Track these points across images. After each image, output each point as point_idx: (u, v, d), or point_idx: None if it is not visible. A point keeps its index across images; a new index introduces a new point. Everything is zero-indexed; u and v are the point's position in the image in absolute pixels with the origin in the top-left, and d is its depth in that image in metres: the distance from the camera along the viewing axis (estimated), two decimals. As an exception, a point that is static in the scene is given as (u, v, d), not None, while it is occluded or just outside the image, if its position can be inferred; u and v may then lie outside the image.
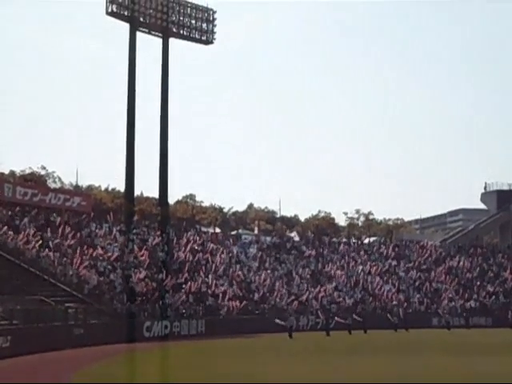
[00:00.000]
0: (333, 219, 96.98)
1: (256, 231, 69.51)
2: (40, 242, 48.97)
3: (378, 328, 55.87)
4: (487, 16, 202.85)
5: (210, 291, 54.88)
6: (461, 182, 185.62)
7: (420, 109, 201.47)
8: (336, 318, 56.08)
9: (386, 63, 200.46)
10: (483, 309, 66.73)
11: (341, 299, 62.09)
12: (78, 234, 52.88)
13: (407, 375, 26.88)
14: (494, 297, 68.39)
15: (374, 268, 68.89)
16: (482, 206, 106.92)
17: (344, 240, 75.00)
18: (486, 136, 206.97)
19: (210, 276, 56.38)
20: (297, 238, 70.52)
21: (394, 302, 63.87)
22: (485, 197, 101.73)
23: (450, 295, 67.89)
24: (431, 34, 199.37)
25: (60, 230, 51.41)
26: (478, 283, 70.54)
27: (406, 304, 64.57)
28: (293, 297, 59.46)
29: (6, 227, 48.67)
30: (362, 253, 71.36)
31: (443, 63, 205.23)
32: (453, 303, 66.43)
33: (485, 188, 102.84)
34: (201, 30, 59.84)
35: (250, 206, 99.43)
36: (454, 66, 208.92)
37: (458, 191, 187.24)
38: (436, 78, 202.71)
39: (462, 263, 73.57)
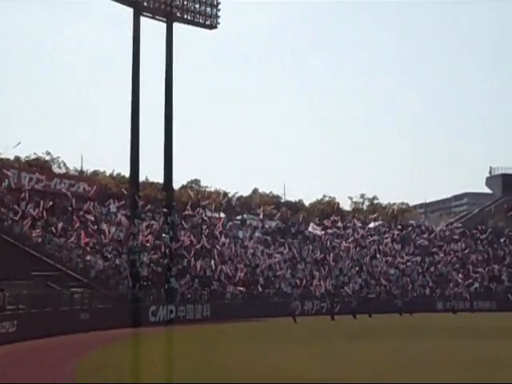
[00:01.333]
0: (337, 204, 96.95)
1: (261, 216, 69.48)
2: (45, 227, 49.17)
3: (383, 312, 55.99)
4: (490, 9, 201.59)
5: (215, 276, 55.07)
6: (466, 166, 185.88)
7: (424, 93, 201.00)
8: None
9: (389, 51, 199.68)
10: (488, 293, 66.81)
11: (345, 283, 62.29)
12: (84, 219, 53.04)
13: (412, 359, 26.99)
14: (498, 281, 68.52)
15: (379, 252, 68.98)
16: (487, 190, 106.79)
17: (348, 224, 74.94)
18: (490, 120, 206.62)
19: (214, 260, 56.55)
20: (314, 231, 70.16)
21: (398, 287, 64.02)
22: (490, 181, 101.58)
23: (455, 279, 67.97)
24: (436, 21, 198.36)
25: (65, 215, 51.52)
26: (483, 267, 70.59)
27: (410, 288, 64.75)
28: (297, 281, 59.64)
29: (11, 212, 48.84)
30: (366, 237, 71.42)
31: (447, 48, 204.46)
32: (457, 287, 66.51)
33: (490, 172, 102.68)
34: (205, 14, 59.69)
35: (255, 191, 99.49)
36: (459, 51, 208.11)
37: (463, 175, 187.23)
38: (440, 63, 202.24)
39: (466, 247, 73.59)
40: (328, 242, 68.01)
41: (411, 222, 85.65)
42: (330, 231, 69.81)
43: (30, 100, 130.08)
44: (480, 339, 35.43)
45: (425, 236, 74.88)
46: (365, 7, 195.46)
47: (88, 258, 48.35)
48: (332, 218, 72.36)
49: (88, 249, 49.16)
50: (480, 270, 70.07)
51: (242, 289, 54.56)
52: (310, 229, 69.61)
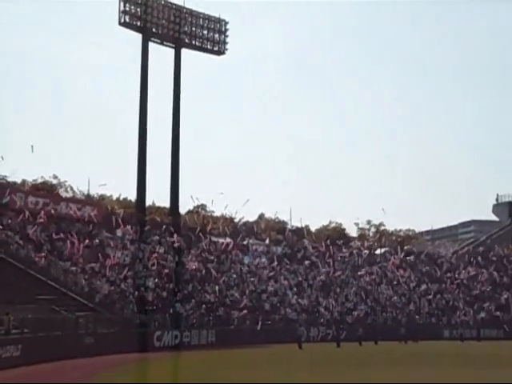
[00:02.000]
0: (344, 230, 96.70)
1: (267, 241, 69.40)
2: (51, 250, 49.17)
3: (389, 339, 55.66)
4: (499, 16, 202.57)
5: (220, 301, 54.91)
6: (472, 194, 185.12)
7: (432, 119, 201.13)
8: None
9: (397, 71, 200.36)
10: (495, 321, 66.34)
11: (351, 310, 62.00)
12: (89, 244, 53.04)
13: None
14: (505, 309, 68.10)
15: (385, 279, 68.73)
16: (494, 218, 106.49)
17: (355, 251, 74.75)
18: (498, 147, 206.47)
19: (220, 286, 56.41)
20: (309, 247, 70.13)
21: (393, 313, 63.70)
22: (497, 208, 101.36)
23: (462, 307, 67.59)
24: (445, 35, 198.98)
25: (71, 239, 51.57)
26: (490, 295, 70.23)
27: (417, 315, 64.42)
28: (303, 307, 59.40)
29: (17, 236, 48.87)
30: (373, 263, 71.18)
31: (456, 72, 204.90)
32: (464, 315, 66.11)
33: (497, 199, 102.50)
34: (213, 40, 60.05)
35: (261, 216, 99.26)
36: (468, 75, 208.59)
37: (470, 202, 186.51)
38: (449, 88, 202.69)
39: (473, 275, 73.25)
40: (333, 269, 67.75)
41: (417, 248, 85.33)
42: (336, 257, 69.60)
43: (38, 124, 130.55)
44: (487, 368, 35.16)
45: (431, 263, 74.53)
46: (375, 28, 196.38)
47: (93, 282, 48.28)
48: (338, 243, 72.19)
49: (93, 273, 49.10)
50: (487, 297, 69.68)
51: (245, 312, 54.37)
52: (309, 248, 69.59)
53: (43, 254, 47.94)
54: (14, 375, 29.22)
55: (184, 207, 74.28)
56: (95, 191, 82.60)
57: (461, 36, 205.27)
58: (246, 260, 63.81)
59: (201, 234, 61.82)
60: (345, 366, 36.69)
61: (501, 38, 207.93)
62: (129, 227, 56.08)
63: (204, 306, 53.27)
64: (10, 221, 50.23)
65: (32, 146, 53.38)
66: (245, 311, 54.59)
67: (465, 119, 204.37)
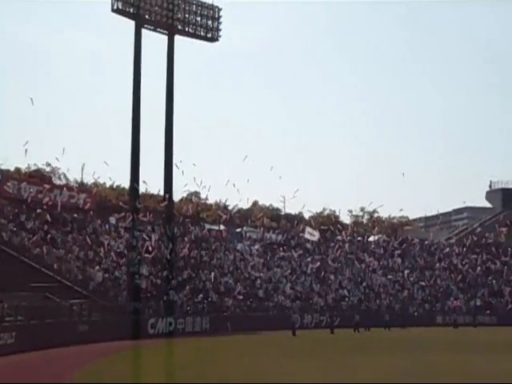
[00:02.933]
0: (337, 217, 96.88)
1: (261, 228, 69.45)
2: (45, 238, 49.13)
3: (379, 326, 55.89)
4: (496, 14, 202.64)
5: (214, 288, 55.02)
6: (466, 180, 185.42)
7: (424, 106, 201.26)
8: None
9: (389, 59, 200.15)
10: (488, 307, 66.63)
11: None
12: (83, 231, 53.04)
13: (410, 373, 26.90)
14: (498, 295, 68.41)
15: (379, 266, 68.94)
16: (487, 204, 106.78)
17: (349, 238, 74.92)
18: (490, 133, 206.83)
19: (214, 273, 56.52)
20: (310, 236, 70.01)
21: (388, 299, 63.91)
22: (490, 195, 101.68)
23: (455, 293, 67.86)
24: (435, 31, 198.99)
25: (65, 227, 51.52)
26: (483, 281, 70.52)
27: (409, 302, 64.71)
28: (297, 294, 59.58)
29: (11, 224, 48.82)
30: (366, 250, 71.37)
31: (448, 60, 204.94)
32: (457, 301, 66.40)
33: (490, 186, 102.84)
34: (206, 27, 59.75)
35: (255, 204, 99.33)
36: (459, 63, 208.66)
37: (463, 189, 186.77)
38: (440, 75, 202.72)
39: (466, 261, 73.48)
40: (328, 256, 67.92)
41: (411, 235, 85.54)
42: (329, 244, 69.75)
43: (30, 111, 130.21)
44: (480, 353, 35.33)
45: (425, 250, 74.75)
46: (367, 19, 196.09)
47: (87, 269, 48.31)
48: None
49: (87, 260, 49.12)
50: (480, 284, 69.96)
51: (240, 297, 54.50)
52: (306, 235, 69.42)
53: (37, 242, 47.90)
54: (7, 363, 29.25)
55: (177, 194, 74.26)
56: (88, 179, 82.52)
57: (444, 33, 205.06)
58: (240, 247, 63.89)
59: (194, 221, 61.81)
60: (339, 352, 36.83)
61: (476, 31, 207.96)
62: (122, 214, 56.00)
63: (198, 292, 53.35)
64: (3, 209, 50.16)
65: (32, 99, 52.56)
66: (238, 298, 54.71)
67: (458, 106, 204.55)
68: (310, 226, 71.75)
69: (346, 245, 70.98)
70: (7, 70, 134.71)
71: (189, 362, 31.91)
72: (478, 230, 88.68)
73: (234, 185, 57.16)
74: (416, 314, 63.01)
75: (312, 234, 69.67)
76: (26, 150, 48.41)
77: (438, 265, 72.39)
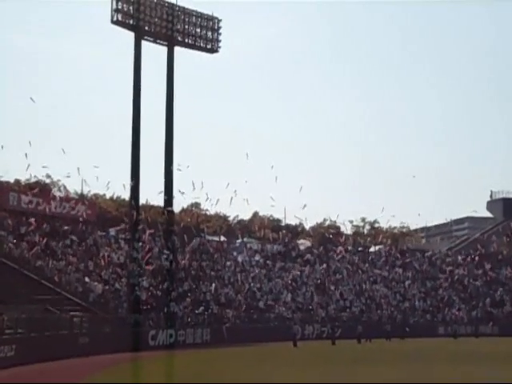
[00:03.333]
0: (338, 227, 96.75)
1: (263, 239, 69.43)
2: (45, 250, 49.03)
3: (381, 337, 55.67)
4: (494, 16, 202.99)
5: (215, 300, 54.86)
6: (466, 190, 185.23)
7: (426, 115, 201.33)
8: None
9: (391, 67, 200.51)
10: (489, 317, 66.40)
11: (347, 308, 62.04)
12: (83, 243, 52.94)
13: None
14: (500, 305, 68.21)
15: (380, 277, 68.79)
16: (488, 214, 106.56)
17: (350, 248, 74.81)
18: (492, 143, 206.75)
19: (214, 284, 56.38)
20: (302, 247, 70.15)
21: (388, 310, 63.68)
22: (491, 205, 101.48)
23: (456, 304, 67.66)
24: (437, 34, 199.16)
25: (65, 239, 51.43)
26: (485, 291, 70.33)
27: (411, 312, 64.52)
28: (298, 305, 59.42)
29: (11, 236, 48.72)
30: (367, 261, 71.21)
31: (450, 69, 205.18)
32: (459, 312, 66.20)
33: (491, 196, 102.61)
34: (206, 38, 59.83)
35: (255, 215, 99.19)
36: (461, 71, 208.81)
37: (464, 199, 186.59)
38: (442, 84, 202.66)
39: (467, 272, 73.31)
40: (329, 267, 67.79)
41: (412, 245, 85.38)
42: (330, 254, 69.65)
43: (30, 122, 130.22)
44: (481, 364, 35.14)
45: (426, 260, 74.59)
46: (367, 25, 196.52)
47: (87, 281, 48.18)
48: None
49: (87, 272, 49.01)
50: (481, 294, 69.79)
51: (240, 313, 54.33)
52: (300, 246, 69.56)
53: (37, 254, 47.79)
54: (8, 375, 29.08)
55: (178, 206, 74.17)
56: (88, 190, 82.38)
57: (448, 39, 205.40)
58: (241, 258, 63.75)
59: (195, 232, 61.70)
60: (340, 363, 36.64)
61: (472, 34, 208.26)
62: (122, 226, 55.93)
63: (198, 304, 53.19)
64: (3, 221, 50.08)
65: (31, 98, 52.64)
66: (239, 310, 54.53)
67: (459, 116, 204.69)
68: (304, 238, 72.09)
69: (347, 255, 70.89)
70: (8, 80, 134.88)
71: (190, 374, 31.72)
72: (479, 240, 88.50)
73: (235, 192, 56.81)
74: (417, 324, 62.76)
75: (304, 244, 69.98)
76: (29, 166, 48.57)
77: (439, 275, 72.23)
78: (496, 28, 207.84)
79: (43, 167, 69.10)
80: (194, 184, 54.51)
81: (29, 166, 48.61)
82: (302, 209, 67.36)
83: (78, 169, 51.50)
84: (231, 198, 56.43)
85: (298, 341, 49.58)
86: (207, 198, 56.78)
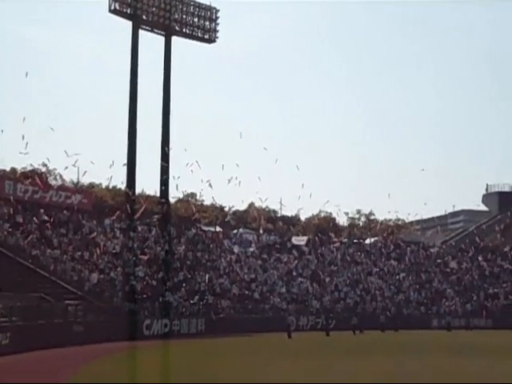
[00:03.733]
0: (334, 219, 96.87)
1: (261, 230, 69.49)
2: (40, 239, 49.02)
3: (375, 329, 55.83)
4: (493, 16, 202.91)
5: (210, 290, 54.94)
6: (462, 183, 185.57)
7: (421, 108, 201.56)
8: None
9: (387, 60, 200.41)
10: (483, 310, 66.56)
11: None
12: (79, 232, 52.94)
13: (405, 374, 26.84)
14: (494, 298, 68.39)
15: (375, 269, 68.95)
16: (484, 208, 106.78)
17: (345, 240, 74.93)
18: (487, 137, 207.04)
19: (210, 275, 56.46)
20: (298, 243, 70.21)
21: (383, 302, 63.83)
22: (486, 198, 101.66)
23: (451, 296, 67.86)
24: (434, 32, 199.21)
25: (60, 228, 51.41)
26: (479, 285, 70.53)
27: (405, 304, 64.71)
28: (293, 296, 59.55)
29: (6, 224, 48.70)
30: (362, 253, 71.34)
31: (445, 63, 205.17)
32: (453, 304, 66.39)
33: (486, 189, 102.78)
34: (203, 28, 59.79)
35: (251, 206, 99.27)
36: (457, 66, 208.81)
37: (460, 192, 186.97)
38: (437, 78, 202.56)
39: (462, 265, 73.51)
40: (324, 258, 67.93)
41: (407, 238, 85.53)
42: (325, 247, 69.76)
43: (27, 111, 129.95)
44: (474, 356, 35.28)
45: (421, 252, 74.73)
46: (367, 20, 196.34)
47: (83, 270, 48.20)
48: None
49: (83, 261, 49.01)
50: (476, 287, 69.99)
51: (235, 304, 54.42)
52: (294, 241, 69.53)
53: (32, 242, 47.80)
54: (2, 363, 29.12)
55: (174, 196, 74.18)
56: (84, 179, 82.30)
57: (443, 35, 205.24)
58: (236, 249, 63.81)
59: (190, 222, 61.74)
60: (333, 354, 36.77)
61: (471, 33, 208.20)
62: (118, 215, 55.94)
63: (193, 294, 53.25)
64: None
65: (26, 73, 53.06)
66: (234, 300, 54.62)
67: (455, 109, 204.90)
68: (298, 235, 72.06)
69: (342, 247, 71.02)
70: (5, 68, 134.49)
71: (184, 363, 31.81)
72: (475, 233, 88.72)
73: (231, 180, 56.49)
74: (411, 316, 62.96)
75: (300, 240, 69.88)
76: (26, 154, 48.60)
77: (433, 268, 72.41)
78: (492, 26, 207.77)
79: (44, 165, 69.39)
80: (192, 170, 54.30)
81: (26, 154, 48.58)
82: (297, 200, 67.59)
83: (76, 161, 51.47)
84: (229, 180, 56.04)
85: (292, 332, 49.67)
86: (206, 182, 56.27)
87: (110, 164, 51.74)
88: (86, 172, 56.96)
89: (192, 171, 53.26)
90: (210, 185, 55.60)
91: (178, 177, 56.58)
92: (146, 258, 53.51)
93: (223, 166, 55.58)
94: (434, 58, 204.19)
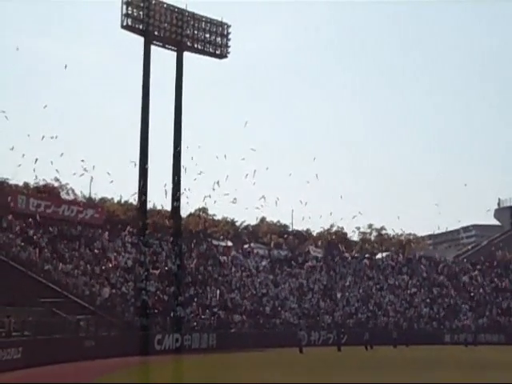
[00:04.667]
0: (345, 234, 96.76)
1: (272, 245, 69.57)
2: (53, 253, 49.17)
3: (387, 344, 55.58)
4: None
5: (221, 305, 54.91)
6: (474, 198, 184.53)
7: (432, 122, 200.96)
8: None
9: (395, 71, 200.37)
10: (496, 326, 66.22)
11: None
12: (91, 246, 53.09)
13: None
14: (507, 314, 67.99)
15: (386, 283, 68.73)
16: (496, 222, 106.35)
17: (356, 255, 74.79)
18: (499, 151, 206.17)
19: (221, 289, 56.45)
20: (315, 253, 70.22)
21: (395, 317, 63.56)
22: (498, 213, 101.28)
23: (463, 312, 67.51)
24: (441, 36, 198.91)
25: (72, 242, 51.58)
26: (491, 300, 70.16)
27: (417, 320, 64.40)
28: (304, 311, 59.41)
29: (19, 239, 48.88)
30: (374, 268, 71.15)
31: (455, 73, 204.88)
32: (465, 320, 66.03)
33: (498, 204, 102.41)
34: (215, 44, 60.07)
35: (262, 220, 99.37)
36: (469, 76, 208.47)
37: (472, 207, 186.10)
38: (449, 91, 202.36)
39: (475, 280, 73.18)
40: (335, 273, 67.79)
41: (419, 253, 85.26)
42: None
43: (39, 126, 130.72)
44: (486, 371, 35.11)
45: (433, 267, 74.44)
46: (382, 34, 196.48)
47: (94, 285, 48.30)
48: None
49: (94, 276, 49.10)
50: (488, 302, 69.63)
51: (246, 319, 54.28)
52: (311, 251, 69.58)
53: (44, 257, 47.95)
54: (14, 378, 29.18)
55: (185, 210, 74.32)
56: (96, 194, 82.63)
57: (448, 44, 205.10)
58: (247, 263, 63.79)
59: (202, 237, 61.79)
60: (346, 370, 36.65)
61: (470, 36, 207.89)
62: (130, 230, 56.11)
63: (205, 309, 53.22)
64: (11, 224, 50.25)
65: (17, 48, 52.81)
66: (246, 315, 54.53)
67: (467, 123, 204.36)
68: (315, 246, 71.99)
69: (354, 262, 70.89)
70: (17, 82, 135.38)
71: (196, 378, 31.77)
72: (487, 247, 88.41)
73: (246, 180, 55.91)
74: (423, 331, 62.62)
75: (317, 251, 69.93)
76: (34, 170, 48.84)
77: (446, 282, 72.10)
78: (495, 28, 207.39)
79: (56, 180, 69.48)
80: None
81: (34, 170, 48.89)
82: (308, 216, 67.63)
83: (92, 178, 51.55)
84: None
85: (303, 347, 49.56)
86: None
87: (123, 179, 51.79)
88: (97, 185, 56.88)
89: (201, 184, 53.38)
90: (234, 200, 55.63)
91: (189, 189, 56.69)
92: (157, 272, 53.58)
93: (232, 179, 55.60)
94: (442, 66, 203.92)
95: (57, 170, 66.23)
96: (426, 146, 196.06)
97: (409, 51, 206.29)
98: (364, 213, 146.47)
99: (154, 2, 56.67)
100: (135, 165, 55.25)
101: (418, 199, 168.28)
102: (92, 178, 53.07)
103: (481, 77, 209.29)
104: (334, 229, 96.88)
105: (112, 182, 61.72)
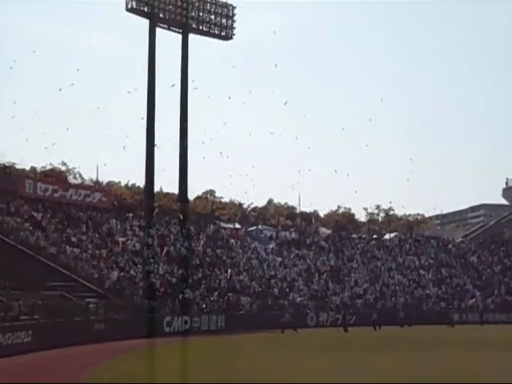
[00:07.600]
0: (353, 215, 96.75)
1: (279, 227, 69.65)
2: (61, 237, 49.36)
3: (394, 324, 55.72)
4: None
5: (229, 287, 55.06)
6: (482, 178, 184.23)
7: (441, 103, 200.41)
8: None
9: (406, 56, 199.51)
10: (504, 305, 66.25)
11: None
12: (99, 230, 53.25)
13: (419, 373, 26.76)
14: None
15: (394, 264, 68.78)
16: (504, 202, 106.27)
17: (364, 236, 74.81)
18: (507, 131, 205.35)
19: (229, 271, 56.61)
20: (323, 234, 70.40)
21: (403, 297, 63.63)
22: (506, 192, 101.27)
23: (471, 291, 67.54)
24: (448, 27, 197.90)
25: (80, 226, 51.75)
26: (500, 279, 70.13)
27: (425, 300, 64.48)
28: (312, 292, 59.53)
29: (27, 223, 49.07)
30: (381, 248, 71.19)
31: (463, 55, 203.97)
32: (474, 299, 66.08)
33: (506, 183, 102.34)
34: (220, 25, 59.73)
35: (270, 202, 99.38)
36: (475, 59, 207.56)
37: (480, 186, 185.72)
38: (456, 72, 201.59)
39: (483, 259, 73.14)
40: (343, 254, 67.87)
41: (427, 233, 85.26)
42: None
43: (46, 111, 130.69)
44: (495, 352, 35.13)
45: (441, 247, 74.45)
46: (382, 22, 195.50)
47: (103, 268, 48.49)
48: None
49: (103, 259, 49.27)
50: (496, 282, 69.61)
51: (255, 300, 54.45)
52: (320, 232, 69.70)
53: (53, 241, 48.14)
54: (24, 361, 29.38)
55: (193, 193, 74.44)
56: (103, 178, 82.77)
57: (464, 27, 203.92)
58: (255, 245, 63.90)
59: (210, 219, 61.89)
60: (352, 350, 36.76)
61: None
62: (137, 213, 56.20)
63: (213, 291, 53.40)
64: (19, 208, 50.44)
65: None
66: (254, 296, 54.70)
67: (475, 103, 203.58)
68: (323, 227, 72.13)
69: (362, 243, 70.94)
70: (22, 67, 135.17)
71: (205, 360, 31.90)
72: (495, 227, 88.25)
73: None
74: (431, 311, 62.73)
75: (325, 233, 70.11)
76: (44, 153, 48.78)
77: (454, 262, 72.10)
78: (496, 24, 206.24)
79: (63, 164, 69.56)
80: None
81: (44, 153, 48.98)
82: (315, 196, 67.71)
83: (97, 166, 51.67)
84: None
85: (312, 327, 49.59)
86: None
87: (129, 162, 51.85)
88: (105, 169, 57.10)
89: (210, 167, 53.38)
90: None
91: (197, 173, 56.71)
92: (165, 255, 53.71)
93: (240, 162, 55.59)
94: (451, 48, 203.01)
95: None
96: (435, 128, 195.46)
97: (417, 31, 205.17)
98: (372, 193, 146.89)
99: (158, -16, 56.38)
100: (142, 147, 55.19)
101: (426, 179, 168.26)
102: (96, 162, 52.97)
103: (493, 56, 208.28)
104: (342, 210, 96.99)
105: (118, 166, 61.65)
